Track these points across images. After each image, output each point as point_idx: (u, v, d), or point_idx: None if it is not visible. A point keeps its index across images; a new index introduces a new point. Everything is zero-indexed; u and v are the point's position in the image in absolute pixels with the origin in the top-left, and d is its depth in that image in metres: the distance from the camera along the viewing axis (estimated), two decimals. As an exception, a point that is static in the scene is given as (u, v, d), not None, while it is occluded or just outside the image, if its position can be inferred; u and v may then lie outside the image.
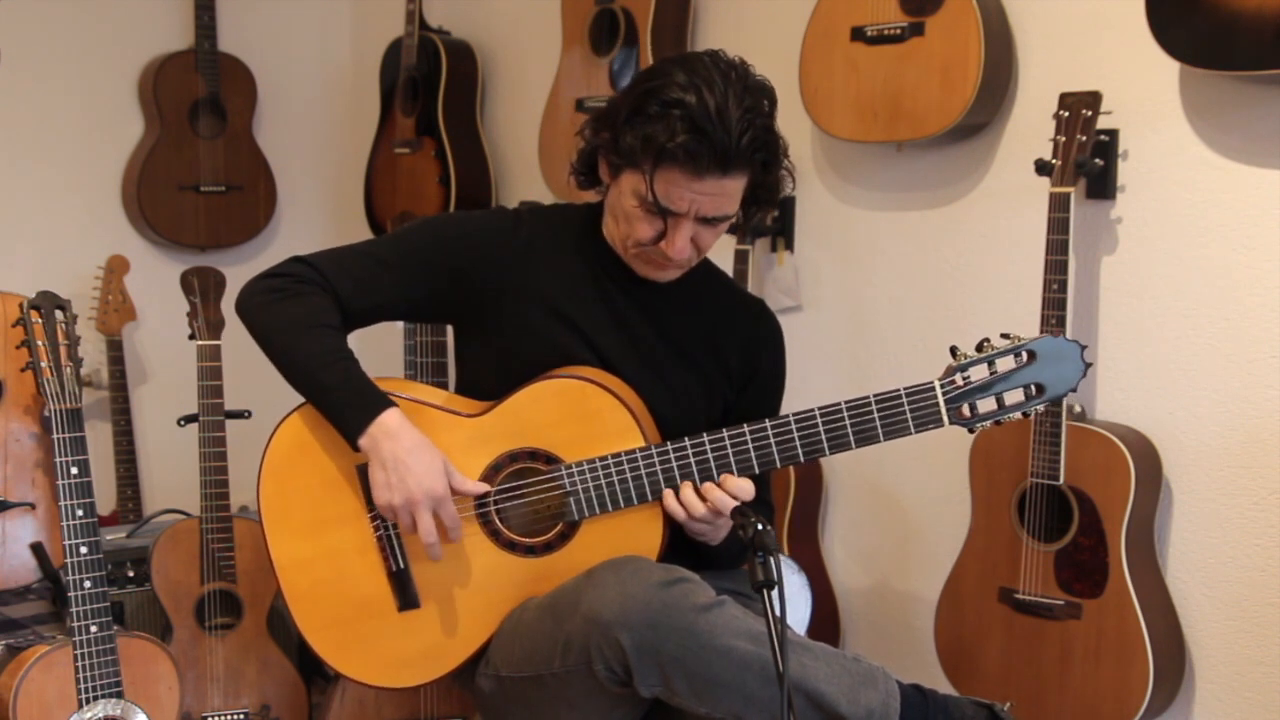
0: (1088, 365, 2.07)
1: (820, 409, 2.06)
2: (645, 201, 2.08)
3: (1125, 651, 2.53)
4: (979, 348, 2.05)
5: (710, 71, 2.05)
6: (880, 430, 2.05)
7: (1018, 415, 2.05)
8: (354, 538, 2.16)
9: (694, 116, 2.00)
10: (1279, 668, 2.55)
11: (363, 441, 2.10)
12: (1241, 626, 2.59)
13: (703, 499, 2.06)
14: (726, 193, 2.08)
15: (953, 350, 2.06)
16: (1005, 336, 2.05)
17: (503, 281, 2.20)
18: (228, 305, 2.89)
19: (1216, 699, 2.62)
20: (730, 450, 2.08)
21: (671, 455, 2.09)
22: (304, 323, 2.15)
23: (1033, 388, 2.05)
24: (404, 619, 2.17)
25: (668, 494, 2.09)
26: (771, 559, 1.85)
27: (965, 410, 2.04)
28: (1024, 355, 2.05)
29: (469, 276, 2.20)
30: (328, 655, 2.20)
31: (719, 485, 2.06)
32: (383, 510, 2.12)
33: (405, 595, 2.17)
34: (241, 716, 2.77)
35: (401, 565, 2.16)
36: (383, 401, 2.11)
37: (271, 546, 2.20)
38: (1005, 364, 2.04)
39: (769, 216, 3.13)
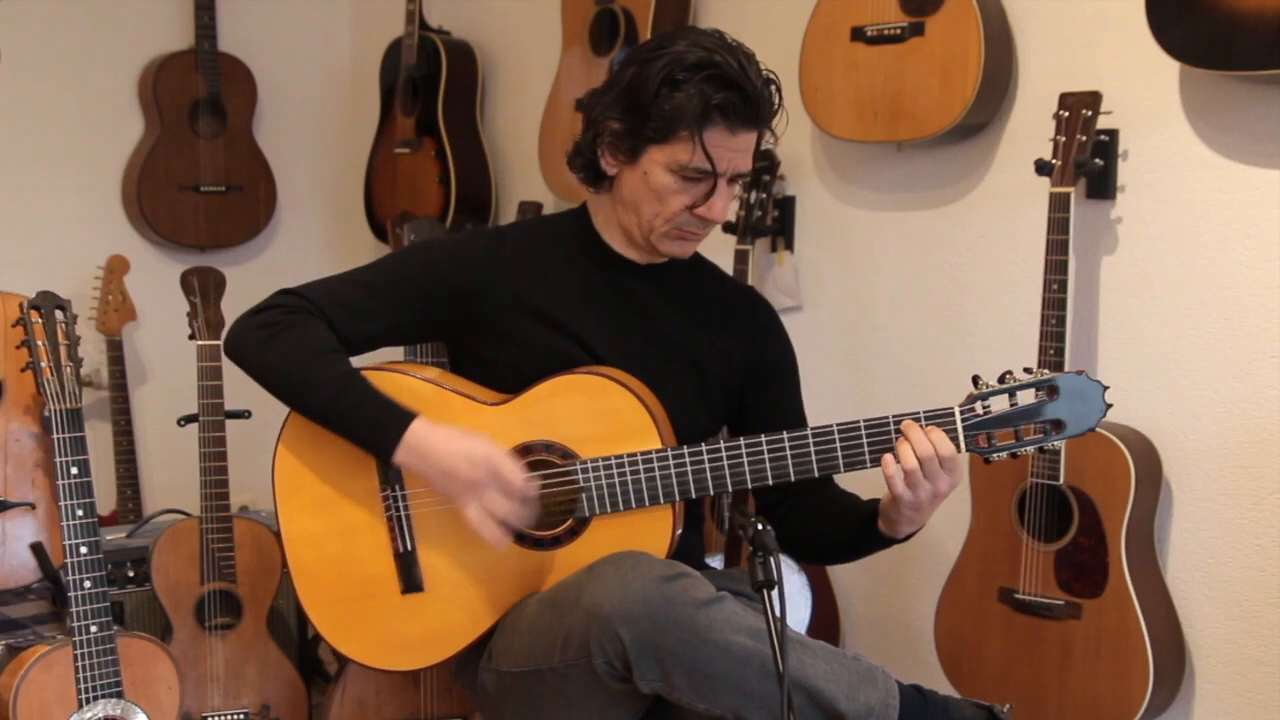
0: (1108, 405, 2.06)
1: (838, 425, 2.07)
2: (685, 169, 2.10)
3: (1125, 651, 2.53)
4: (1001, 379, 2.05)
5: (706, 37, 2.12)
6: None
7: (1033, 450, 2.05)
8: (364, 516, 2.17)
9: (727, 74, 2.06)
10: (1279, 668, 2.55)
11: (399, 457, 2.08)
12: (1241, 626, 2.58)
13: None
14: (751, 148, 2.14)
15: (975, 379, 2.06)
16: (1028, 370, 2.05)
17: (493, 297, 2.20)
18: (228, 305, 2.90)
19: (1216, 699, 2.62)
20: (746, 460, 2.09)
21: (687, 460, 2.09)
22: (305, 353, 2.14)
23: (1051, 424, 2.04)
24: (406, 601, 2.17)
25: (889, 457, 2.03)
26: (771, 559, 1.85)
27: (983, 440, 2.04)
28: (1046, 390, 2.04)
29: (460, 297, 2.21)
30: (326, 632, 2.20)
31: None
32: (456, 504, 2.06)
33: (409, 578, 2.17)
34: (241, 716, 2.76)
35: (408, 547, 2.16)
36: (406, 414, 2.09)
37: (282, 520, 2.21)
38: (1026, 397, 2.04)
39: (769, 216, 3.15)
